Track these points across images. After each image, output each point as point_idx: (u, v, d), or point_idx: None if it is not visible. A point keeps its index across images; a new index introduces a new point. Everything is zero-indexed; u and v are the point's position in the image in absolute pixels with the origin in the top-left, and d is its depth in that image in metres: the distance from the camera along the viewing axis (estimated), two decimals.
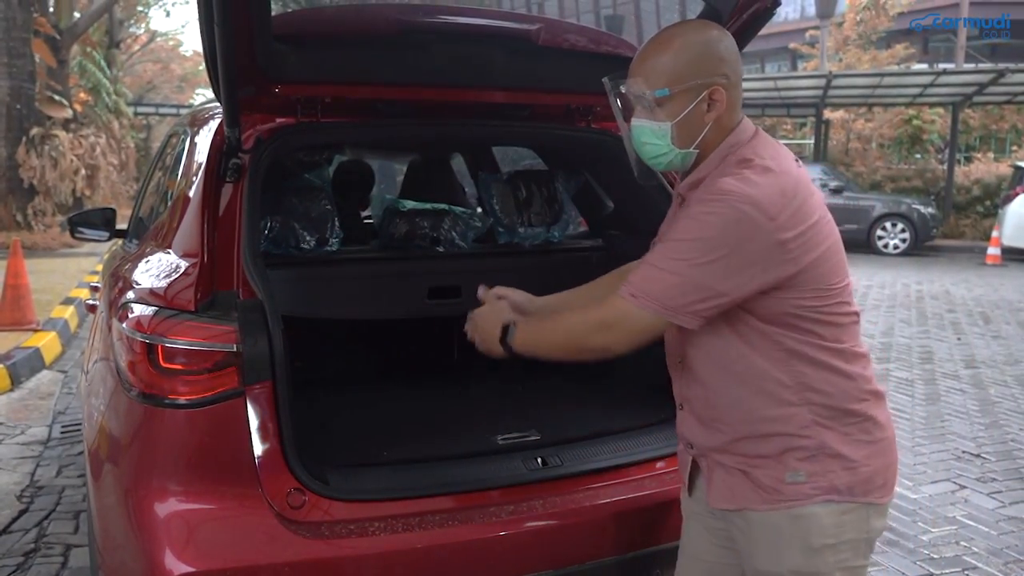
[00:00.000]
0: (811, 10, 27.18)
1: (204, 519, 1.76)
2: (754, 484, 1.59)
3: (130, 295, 2.01)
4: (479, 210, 3.19)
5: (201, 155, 2.22)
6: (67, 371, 6.42)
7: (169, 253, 2.08)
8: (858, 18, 23.63)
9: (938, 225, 15.98)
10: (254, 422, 1.78)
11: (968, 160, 21.98)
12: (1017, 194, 14.60)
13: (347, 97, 2.23)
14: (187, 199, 2.16)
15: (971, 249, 15.82)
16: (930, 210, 15.73)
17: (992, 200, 17.69)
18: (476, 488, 1.96)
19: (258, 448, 1.79)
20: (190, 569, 1.71)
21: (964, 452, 4.73)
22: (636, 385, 2.56)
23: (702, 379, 1.66)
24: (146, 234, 2.59)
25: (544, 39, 2.30)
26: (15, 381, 5.91)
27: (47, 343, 6.66)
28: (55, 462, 4.44)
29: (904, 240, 15.14)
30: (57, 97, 14.18)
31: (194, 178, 2.19)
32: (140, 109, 26.81)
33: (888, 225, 15.28)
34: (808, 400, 1.55)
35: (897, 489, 3.90)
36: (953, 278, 12.09)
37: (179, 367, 1.76)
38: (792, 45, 26.55)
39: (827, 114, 20.06)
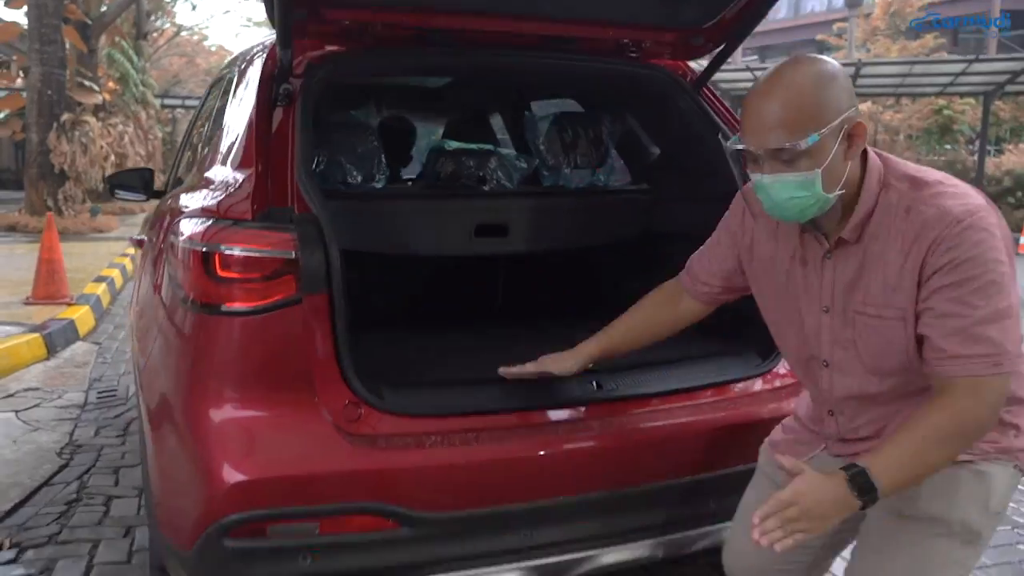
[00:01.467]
0: (837, 2, 26.95)
1: (262, 427, 1.75)
2: None
3: (185, 211, 2.01)
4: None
5: (252, 83, 2.22)
6: (101, 343, 6.47)
7: (222, 174, 2.08)
8: (892, 8, 23.37)
9: None
10: (310, 332, 1.77)
11: (999, 152, 21.69)
12: None
13: (398, 23, 2.21)
14: (239, 124, 2.15)
15: None
16: None
17: (1023, 191, 17.45)
18: (533, 407, 1.94)
19: (314, 359, 1.78)
20: (247, 477, 1.70)
21: None
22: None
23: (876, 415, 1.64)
24: (194, 169, 2.59)
25: None
26: (51, 350, 5.96)
27: (81, 316, 6.72)
28: (92, 424, 4.48)
29: None
30: (87, 83, 14.32)
31: (245, 104, 2.18)
32: (167, 101, 27.02)
33: None
34: None
35: None
36: None
37: (236, 275, 1.75)
38: (819, 36, 26.32)
39: None
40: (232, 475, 1.70)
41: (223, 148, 2.21)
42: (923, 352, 1.48)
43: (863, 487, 1.38)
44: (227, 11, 70.52)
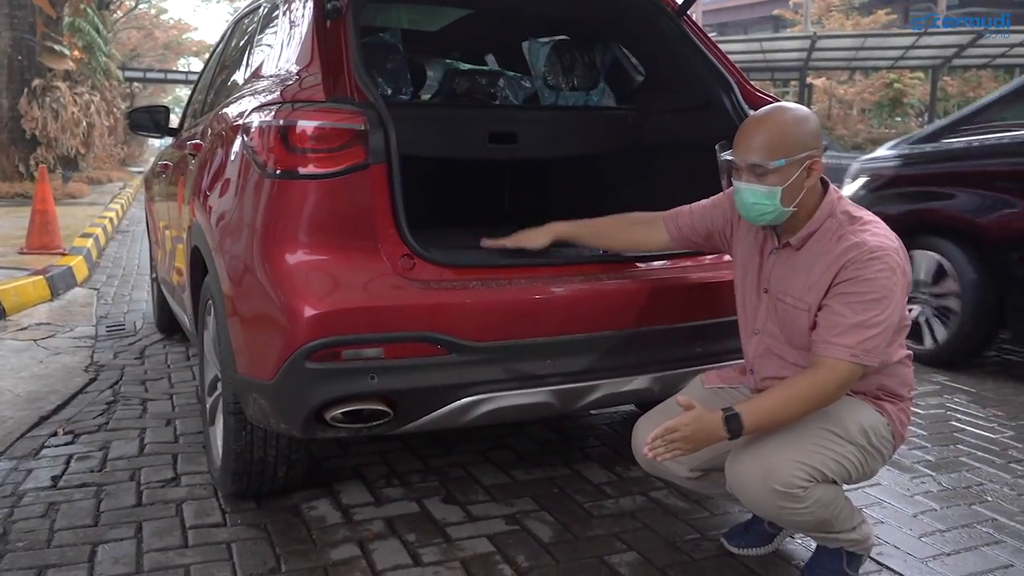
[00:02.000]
0: None
1: (335, 269, 2.10)
2: None
3: (252, 106, 2.35)
4: None
5: (303, 4, 2.56)
6: (98, 289, 6.73)
7: (284, 72, 2.43)
8: None
9: None
10: (374, 195, 2.14)
11: None
12: None
13: None
14: (296, 35, 2.50)
15: None
16: None
17: None
18: (553, 264, 2.34)
19: (377, 217, 2.15)
20: (326, 309, 2.06)
21: None
22: None
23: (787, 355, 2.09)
24: (242, 83, 2.92)
25: None
26: (54, 292, 6.22)
27: (76, 264, 6.97)
28: (109, 350, 4.78)
29: None
30: (58, 48, 14.30)
31: (298, 19, 2.53)
32: (128, 74, 26.77)
33: None
34: (880, 384, 2.05)
35: None
36: None
37: (312, 146, 2.11)
38: (776, 12, 26.95)
39: (810, 80, 20.50)
40: (313, 308, 2.06)
41: (279, 56, 2.55)
42: (812, 335, 1.97)
43: (733, 427, 1.86)
44: None
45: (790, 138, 1.94)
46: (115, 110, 20.46)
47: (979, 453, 3.21)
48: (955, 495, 2.82)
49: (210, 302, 2.62)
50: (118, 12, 29.68)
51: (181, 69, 36.88)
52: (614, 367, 2.33)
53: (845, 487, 2.05)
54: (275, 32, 2.76)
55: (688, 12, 2.99)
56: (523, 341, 2.21)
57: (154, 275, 5.16)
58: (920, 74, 20.93)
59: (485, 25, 3.70)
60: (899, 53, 17.64)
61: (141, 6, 33.83)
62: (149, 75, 30.64)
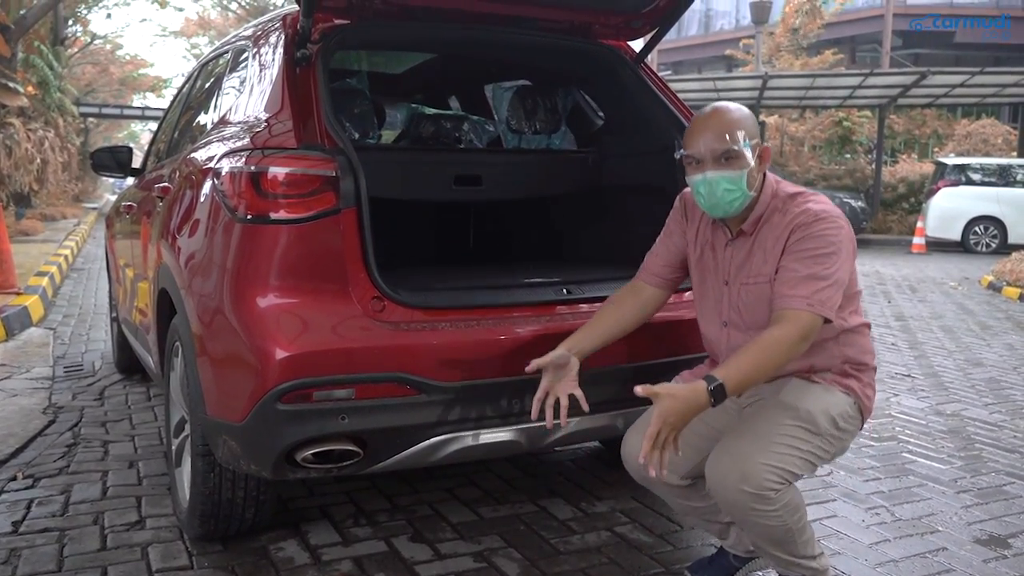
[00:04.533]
0: (745, 21, 28.33)
1: (306, 312, 2.14)
2: (795, 371, 2.15)
3: (221, 151, 2.39)
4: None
5: (273, 48, 2.62)
6: (55, 328, 6.64)
7: (254, 119, 2.48)
8: (796, 23, 24.75)
9: (868, 218, 16.92)
10: (344, 239, 2.19)
11: (894, 162, 23.18)
12: (939, 188, 15.61)
13: (393, 2, 2.66)
14: (265, 80, 2.55)
15: (898, 242, 16.80)
16: (860, 203, 16.66)
17: (916, 197, 18.78)
18: (520, 304, 2.40)
19: (347, 260, 2.19)
20: (296, 351, 2.09)
21: (896, 373, 5.34)
22: (631, 256, 3.04)
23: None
24: (208, 129, 2.97)
25: None
26: (9, 332, 6.12)
27: (32, 303, 6.86)
28: (68, 391, 4.71)
29: None
30: (12, 84, 14.15)
31: (269, 65, 2.59)
32: (83, 109, 26.46)
33: None
34: (840, 354, 2.15)
35: None
36: (883, 262, 12.93)
37: (283, 192, 2.16)
38: (728, 52, 27.63)
39: (762, 117, 21.00)
40: (284, 350, 2.10)
41: (249, 101, 2.60)
42: (772, 296, 2.07)
43: (718, 396, 1.89)
44: (144, 20, 69.06)
45: (744, 125, 2.08)
46: (69, 145, 20.22)
47: (931, 484, 3.32)
48: (908, 526, 2.91)
49: (177, 344, 2.63)
50: (73, 47, 29.40)
51: (137, 105, 36.56)
52: (578, 406, 2.38)
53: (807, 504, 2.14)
54: (244, 77, 2.81)
55: (645, 59, 3.11)
56: (492, 380, 2.27)
57: (114, 315, 5.12)
58: (868, 112, 21.56)
59: (448, 69, 3.79)
60: (847, 92, 18.16)
61: (96, 42, 33.47)
62: (104, 111, 30.29)
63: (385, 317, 2.22)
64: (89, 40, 31.56)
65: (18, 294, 7.15)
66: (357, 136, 2.96)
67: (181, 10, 59.18)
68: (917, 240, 15.08)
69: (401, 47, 3.44)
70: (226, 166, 2.31)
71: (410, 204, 3.10)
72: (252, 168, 2.20)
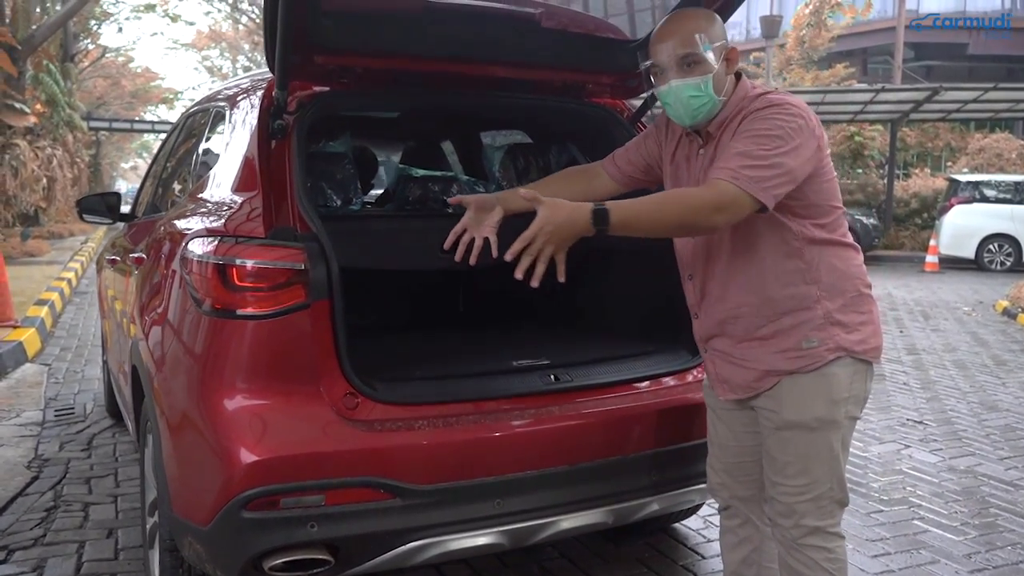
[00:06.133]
0: (755, 33, 28.13)
1: (273, 414, 2.02)
2: (779, 353, 2.01)
3: (192, 231, 2.27)
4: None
5: (247, 118, 2.50)
6: (50, 364, 6.55)
7: (224, 197, 2.36)
8: (802, 34, 24.58)
9: (879, 235, 16.69)
10: (315, 334, 2.07)
11: (907, 175, 22.92)
12: (953, 205, 15.40)
13: (375, 68, 2.54)
14: (237, 153, 2.44)
15: (910, 259, 16.55)
16: (872, 221, 16.43)
17: (929, 213, 18.52)
18: (502, 396, 2.27)
19: (318, 356, 2.07)
20: (262, 456, 1.97)
21: (908, 419, 5.17)
22: (627, 325, 2.90)
23: (722, 281, 2.07)
24: (184, 197, 2.85)
25: (546, 22, 2.65)
26: (1, 372, 6.04)
27: (28, 338, 6.78)
28: (55, 439, 4.62)
29: None
30: (19, 106, 14.15)
31: (242, 137, 2.47)
32: (93, 123, 26.55)
33: None
34: (816, 280, 1.99)
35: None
36: (895, 283, 12.72)
37: (251, 284, 2.04)
38: (739, 65, 27.43)
39: None
40: (250, 455, 1.98)
41: (222, 175, 2.48)
42: None
43: (599, 217, 1.80)
44: (155, 33, 69.34)
45: (708, 28, 2.00)
46: (78, 160, 20.26)
47: (944, 561, 3.16)
48: None
49: (149, 423, 2.51)
50: (84, 61, 29.55)
51: (148, 119, 36.66)
52: (566, 503, 2.25)
53: None
54: (220, 144, 2.69)
55: (642, 119, 2.97)
56: (471, 482, 2.14)
57: (105, 357, 5.02)
58: (879, 126, 21.33)
59: (442, 119, 3.66)
60: (858, 107, 17.95)
61: (108, 55, 33.66)
62: (115, 124, 30.36)
63: (359, 415, 2.09)
64: (101, 54, 31.71)
65: (15, 327, 7.07)
66: (339, 203, 2.84)
67: (192, 23, 59.61)
68: (930, 259, 14.86)
69: (385, 111, 3.32)
70: (194, 252, 2.18)
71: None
72: (219, 260, 2.08)
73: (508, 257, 1.83)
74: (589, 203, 1.83)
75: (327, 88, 2.53)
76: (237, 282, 2.05)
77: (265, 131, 2.35)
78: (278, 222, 2.18)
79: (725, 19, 2.32)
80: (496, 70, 2.69)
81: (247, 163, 2.35)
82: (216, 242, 2.13)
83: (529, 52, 2.64)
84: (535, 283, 1.81)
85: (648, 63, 2.05)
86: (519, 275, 1.81)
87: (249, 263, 2.05)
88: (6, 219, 13.74)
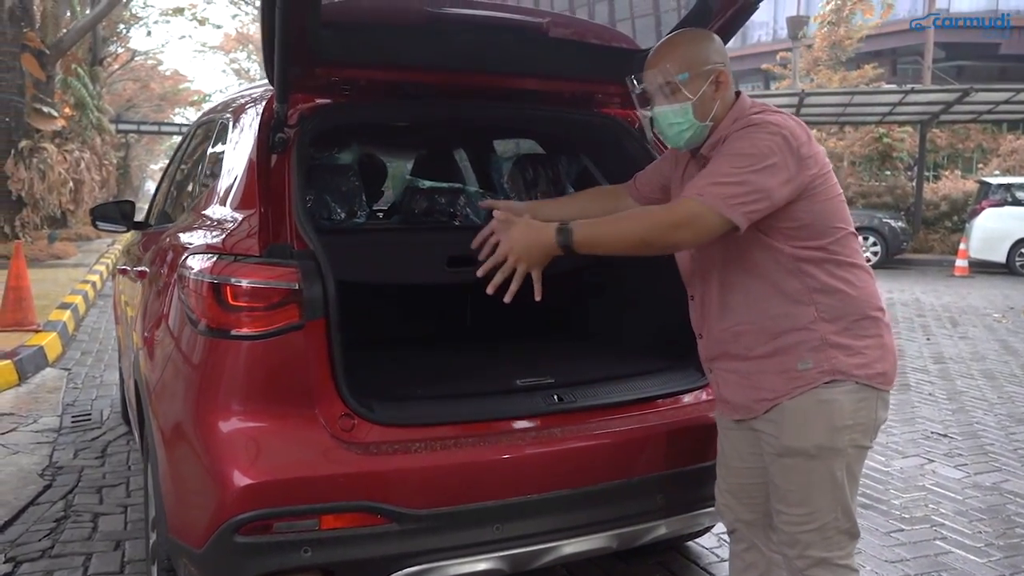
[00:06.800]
0: (782, 33, 27.86)
1: (268, 437, 1.98)
2: (779, 374, 1.94)
3: (191, 247, 2.25)
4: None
5: (249, 131, 2.47)
6: (70, 369, 6.59)
7: (225, 213, 2.33)
8: (824, 31, 24.31)
9: (908, 239, 16.44)
10: (310, 354, 2.03)
11: (936, 178, 22.57)
12: (983, 208, 15.12)
13: (378, 79, 2.49)
14: (238, 168, 2.40)
15: (940, 263, 16.28)
16: (900, 224, 16.19)
17: (959, 215, 18.22)
18: (503, 417, 2.22)
19: (313, 377, 2.03)
20: (256, 480, 1.93)
21: (932, 432, 5.04)
22: (633, 342, 2.84)
23: (720, 301, 2.03)
24: (189, 209, 2.83)
25: (553, 31, 2.60)
26: (22, 376, 6.08)
27: (49, 342, 6.82)
28: (70, 447, 4.62)
29: (875, 253, 15.56)
30: (47, 109, 14.32)
31: (243, 151, 2.44)
32: (121, 126, 26.88)
33: (860, 239, 15.68)
34: (813, 301, 1.92)
35: (870, 462, 4.20)
36: (923, 288, 12.50)
37: (245, 304, 2.00)
38: (764, 66, 27.18)
39: None
40: (242, 479, 1.94)
41: (223, 189, 2.45)
42: None
43: (563, 235, 1.86)
44: (183, 36, 70.18)
45: (691, 54, 1.98)
46: (107, 163, 20.47)
47: None
48: None
49: (148, 437, 2.49)
50: (114, 64, 29.92)
51: (176, 122, 37.04)
52: (569, 527, 2.19)
53: None
54: (225, 155, 2.66)
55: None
56: (471, 506, 2.08)
57: (121, 363, 5.03)
58: (909, 127, 21.01)
59: (447, 130, 3.62)
60: (887, 109, 17.68)
61: (137, 58, 34.07)
62: (143, 127, 30.73)
63: (355, 438, 2.05)
64: (130, 57, 32.10)
65: (36, 331, 7.12)
66: (344, 216, 2.79)
67: (219, 27, 60.19)
68: (960, 263, 14.59)
69: (388, 122, 3.28)
70: (191, 270, 2.15)
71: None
72: (214, 279, 2.04)
73: (480, 273, 1.88)
74: (555, 223, 1.87)
75: (329, 100, 2.49)
76: (231, 301, 2.02)
77: (266, 145, 2.31)
78: (275, 239, 2.14)
79: (727, 40, 2.29)
80: (502, 80, 2.64)
81: (247, 178, 2.32)
82: (212, 260, 2.10)
83: (535, 62, 2.59)
84: (507, 299, 1.90)
85: (641, 87, 2.05)
86: (491, 291, 1.91)
87: (244, 282, 2.01)
88: (34, 222, 13.88)
